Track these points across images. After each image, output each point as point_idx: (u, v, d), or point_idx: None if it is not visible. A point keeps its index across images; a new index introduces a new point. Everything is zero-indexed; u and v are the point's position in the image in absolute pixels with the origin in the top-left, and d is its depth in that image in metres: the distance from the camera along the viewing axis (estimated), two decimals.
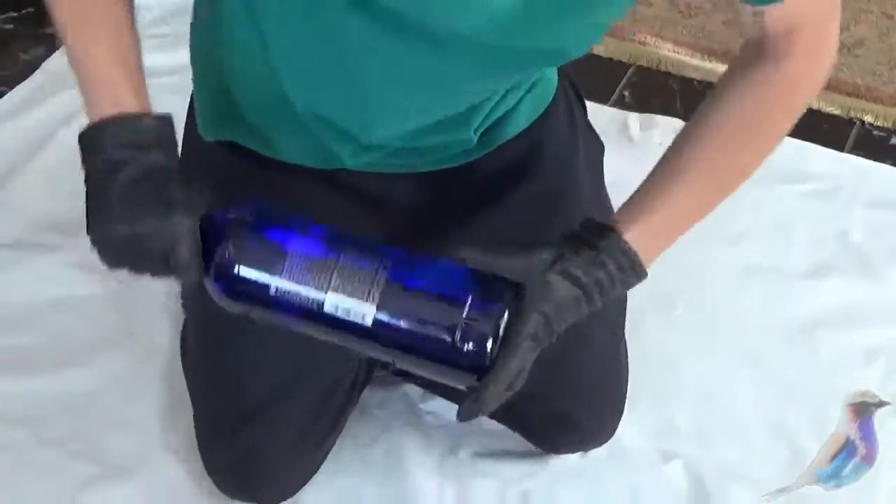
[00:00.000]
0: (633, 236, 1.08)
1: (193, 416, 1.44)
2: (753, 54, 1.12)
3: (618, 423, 1.48)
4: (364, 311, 1.05)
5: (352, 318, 1.05)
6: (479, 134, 1.28)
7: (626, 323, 1.47)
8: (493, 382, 1.04)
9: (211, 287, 1.09)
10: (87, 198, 1.08)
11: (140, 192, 1.05)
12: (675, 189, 1.12)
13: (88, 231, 1.07)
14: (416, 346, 1.06)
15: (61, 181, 1.82)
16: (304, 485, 1.44)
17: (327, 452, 1.46)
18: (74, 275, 1.68)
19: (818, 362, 1.63)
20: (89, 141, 1.08)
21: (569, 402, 1.41)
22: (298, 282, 1.06)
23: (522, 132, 1.33)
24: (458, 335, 1.04)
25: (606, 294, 1.08)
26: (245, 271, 1.06)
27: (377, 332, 1.06)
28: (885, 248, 1.81)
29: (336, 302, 1.05)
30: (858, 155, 2.01)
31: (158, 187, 1.05)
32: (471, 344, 1.04)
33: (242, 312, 1.10)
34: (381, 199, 1.33)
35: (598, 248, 1.07)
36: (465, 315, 1.04)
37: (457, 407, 1.57)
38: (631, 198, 1.14)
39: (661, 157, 1.15)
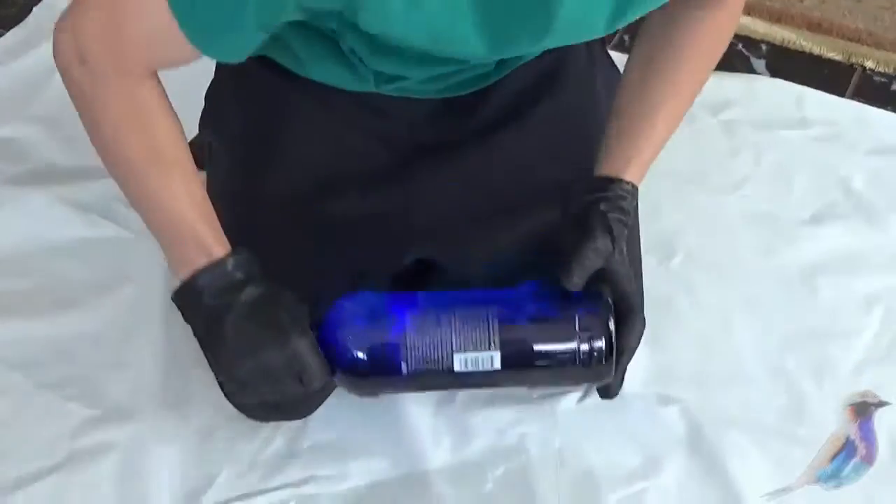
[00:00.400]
0: (632, 175, 1.27)
1: None
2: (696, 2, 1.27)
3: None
4: (490, 358, 1.18)
5: (481, 367, 1.18)
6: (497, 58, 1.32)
7: None
8: (628, 355, 1.26)
9: (342, 383, 1.20)
10: (204, 349, 1.19)
11: (252, 328, 1.14)
12: (656, 125, 1.28)
13: (219, 380, 1.19)
14: (543, 369, 1.20)
15: (58, 124, 1.81)
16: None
17: None
18: (71, 218, 1.68)
19: (818, 308, 1.63)
20: (187, 298, 1.16)
21: None
22: (424, 355, 1.18)
23: (539, 56, 1.37)
24: (580, 346, 1.19)
25: (628, 225, 1.26)
26: (369, 363, 1.17)
27: (505, 371, 1.19)
28: (885, 194, 1.80)
29: (463, 359, 1.18)
30: (859, 101, 2.00)
31: (265, 318, 1.14)
32: (593, 348, 1.20)
33: (377, 397, 1.25)
34: (408, 120, 1.37)
35: (613, 199, 1.24)
36: (578, 327, 1.19)
37: None
38: (616, 140, 1.28)
39: (626, 95, 1.30)
